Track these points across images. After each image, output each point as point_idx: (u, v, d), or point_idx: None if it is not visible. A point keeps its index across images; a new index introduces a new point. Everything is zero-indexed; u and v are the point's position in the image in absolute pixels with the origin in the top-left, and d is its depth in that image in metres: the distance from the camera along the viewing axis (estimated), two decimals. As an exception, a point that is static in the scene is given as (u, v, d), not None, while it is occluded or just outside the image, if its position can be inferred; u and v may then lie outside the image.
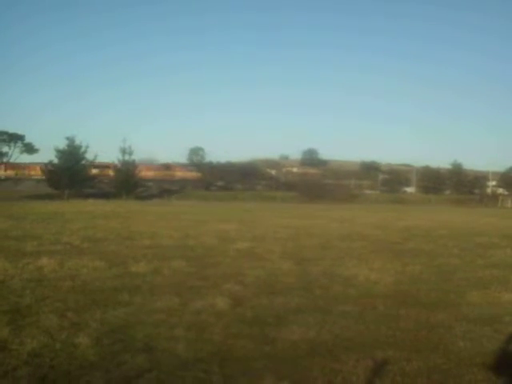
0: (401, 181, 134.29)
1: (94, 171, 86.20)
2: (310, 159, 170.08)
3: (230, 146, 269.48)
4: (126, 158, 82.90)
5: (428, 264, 16.07)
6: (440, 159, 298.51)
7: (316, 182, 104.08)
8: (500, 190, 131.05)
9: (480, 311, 10.15)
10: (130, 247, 18.26)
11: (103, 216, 35.08)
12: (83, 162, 77.58)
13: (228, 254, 16.86)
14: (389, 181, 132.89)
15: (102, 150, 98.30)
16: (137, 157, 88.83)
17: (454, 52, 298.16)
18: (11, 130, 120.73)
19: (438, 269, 15.28)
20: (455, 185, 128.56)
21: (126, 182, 79.78)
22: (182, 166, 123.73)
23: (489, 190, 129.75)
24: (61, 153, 76.32)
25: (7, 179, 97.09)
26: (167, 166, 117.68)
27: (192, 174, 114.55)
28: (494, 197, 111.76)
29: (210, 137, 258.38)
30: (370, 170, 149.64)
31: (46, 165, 79.62)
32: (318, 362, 7.04)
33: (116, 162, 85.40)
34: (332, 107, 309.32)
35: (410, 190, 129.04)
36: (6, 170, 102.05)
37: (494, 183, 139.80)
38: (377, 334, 8.41)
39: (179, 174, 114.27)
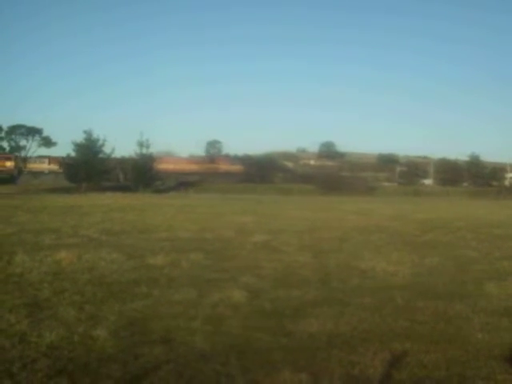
0: (418, 173, 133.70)
1: None
2: (328, 152, 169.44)
3: (247, 139, 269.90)
4: (144, 151, 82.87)
5: (446, 256, 16.02)
6: (458, 151, 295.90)
7: (333, 175, 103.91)
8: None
9: (498, 303, 10.10)
10: (147, 240, 18.30)
11: (120, 209, 35.19)
12: (100, 155, 77.96)
13: (245, 247, 16.87)
14: (406, 173, 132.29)
15: (120, 144, 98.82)
16: (154, 150, 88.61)
17: (466, 47, 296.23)
18: (29, 124, 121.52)
19: (455, 261, 15.23)
20: (473, 177, 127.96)
21: (144, 174, 79.93)
22: (227, 159, 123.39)
23: (507, 182, 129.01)
24: (78, 146, 76.89)
25: (50, 173, 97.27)
26: (211, 159, 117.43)
27: (236, 168, 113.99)
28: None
29: (228, 130, 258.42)
30: (387, 162, 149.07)
31: (63, 158, 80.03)
32: (335, 354, 7.03)
33: (134, 155, 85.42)
34: (349, 101, 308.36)
35: (428, 182, 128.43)
36: (49, 164, 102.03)
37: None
38: (394, 326, 8.38)
39: (223, 167, 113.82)
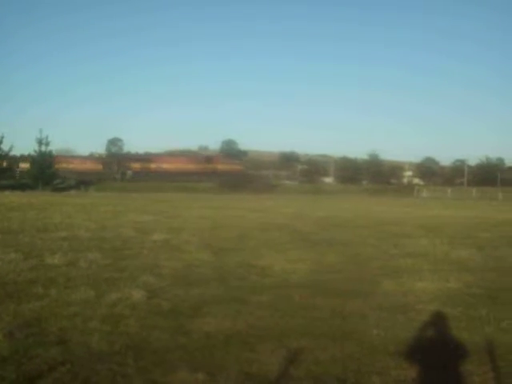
0: (319, 171, 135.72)
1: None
2: (229, 150, 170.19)
3: (149, 136, 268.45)
4: (43, 148, 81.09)
5: (343, 253, 16.32)
6: (358, 150, 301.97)
7: (235, 173, 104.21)
8: (416, 180, 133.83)
9: (394, 300, 10.34)
10: (46, 239, 17.91)
11: (19, 208, 34.37)
12: (-2, 153, 75.96)
13: (145, 246, 16.76)
14: (307, 171, 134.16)
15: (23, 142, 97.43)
16: (54, 147, 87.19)
17: (371, 48, 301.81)
18: None
19: (353, 258, 15.53)
20: (372, 175, 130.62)
21: (43, 173, 78.29)
22: (225, 159, 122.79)
23: (405, 181, 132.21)
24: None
25: None
26: (208, 159, 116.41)
27: (235, 167, 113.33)
28: (410, 187, 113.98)
29: (129, 128, 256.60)
30: (288, 160, 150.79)
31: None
32: (232, 352, 7.08)
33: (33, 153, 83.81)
34: (250, 99, 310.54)
35: (328, 180, 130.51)
36: None
37: (410, 173, 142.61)
38: (292, 324, 8.49)
39: (221, 166, 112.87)
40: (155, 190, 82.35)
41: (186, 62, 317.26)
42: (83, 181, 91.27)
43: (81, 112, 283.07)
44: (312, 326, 8.38)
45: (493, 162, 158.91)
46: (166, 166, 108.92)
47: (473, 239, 20.77)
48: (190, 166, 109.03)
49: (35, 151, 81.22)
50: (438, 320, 8.84)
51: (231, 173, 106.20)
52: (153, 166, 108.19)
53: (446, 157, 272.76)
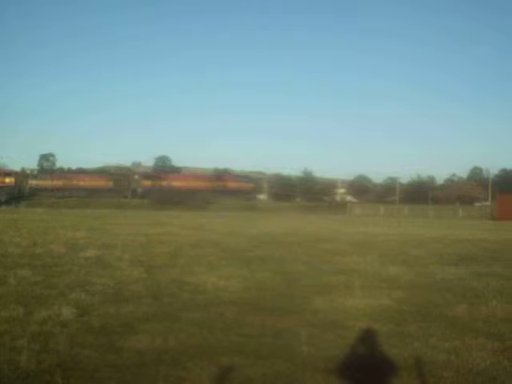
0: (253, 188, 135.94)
1: None
2: (163, 166, 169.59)
3: (83, 152, 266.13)
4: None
5: (276, 270, 16.37)
6: (292, 167, 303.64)
7: (169, 189, 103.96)
8: (349, 198, 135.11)
9: (325, 317, 10.40)
10: (-26, 256, 17.63)
11: None
12: None
13: (76, 263, 16.58)
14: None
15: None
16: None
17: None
18: None
19: (285, 275, 15.58)
20: (305, 192, 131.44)
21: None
22: (237, 177, 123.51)
23: (338, 198, 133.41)
24: None
25: None
26: (219, 177, 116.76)
27: (246, 185, 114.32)
28: (343, 204, 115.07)
29: (62, 143, 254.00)
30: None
31: None
32: (163, 370, 7.04)
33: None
34: (184, 116, 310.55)
35: (262, 197, 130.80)
36: None
37: (343, 191, 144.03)
38: (223, 341, 8.48)
39: (231, 184, 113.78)
40: (84, 206, 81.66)
41: (120, 78, 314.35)
42: (15, 196, 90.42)
43: (12, 126, 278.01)
44: (243, 344, 8.38)
45: (424, 179, 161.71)
46: (176, 183, 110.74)
47: (403, 256, 21.06)
48: (201, 184, 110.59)
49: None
50: (369, 337, 8.93)
51: (242, 190, 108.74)
52: (164, 183, 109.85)
53: (378, 174, 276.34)
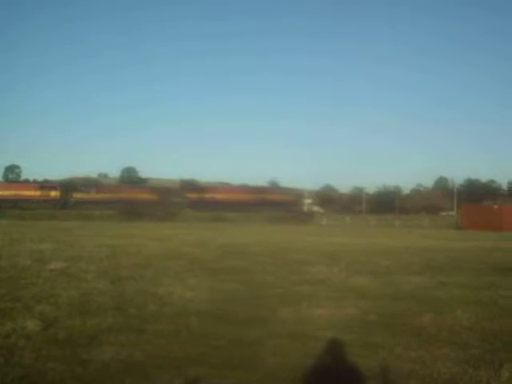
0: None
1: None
2: (129, 177, 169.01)
3: (49, 163, 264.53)
4: None
5: (243, 281, 16.36)
6: (258, 177, 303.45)
7: (135, 200, 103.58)
8: (315, 208, 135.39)
9: (291, 327, 10.44)
10: None
11: None
12: None
13: (42, 275, 16.40)
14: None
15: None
16: None
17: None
18: None
19: (252, 286, 15.58)
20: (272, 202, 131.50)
21: None
22: (277, 189, 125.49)
23: (305, 208, 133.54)
24: None
25: None
26: (261, 190, 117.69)
27: (286, 197, 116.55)
28: (310, 214, 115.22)
29: (28, 154, 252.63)
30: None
31: None
32: (129, 382, 7.03)
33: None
34: (151, 125, 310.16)
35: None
36: None
37: (309, 201, 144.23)
38: (190, 352, 8.48)
39: (273, 197, 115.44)
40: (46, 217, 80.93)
41: (85, 90, 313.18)
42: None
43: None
44: (210, 355, 8.39)
45: (390, 189, 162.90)
46: (219, 196, 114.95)
47: (370, 266, 21.11)
48: (244, 196, 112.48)
49: None
50: (335, 346, 8.96)
51: (283, 203, 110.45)
52: (207, 195, 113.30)
53: (344, 184, 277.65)
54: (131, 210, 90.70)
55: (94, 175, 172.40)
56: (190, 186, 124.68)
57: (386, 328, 10.44)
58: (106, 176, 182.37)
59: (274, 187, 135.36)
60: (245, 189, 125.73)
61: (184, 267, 19.45)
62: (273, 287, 15.46)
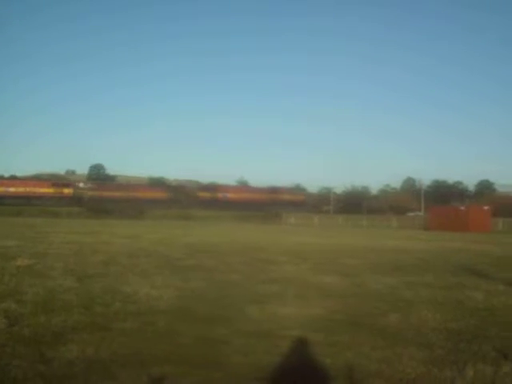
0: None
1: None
2: (97, 174, 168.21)
3: (16, 160, 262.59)
4: None
5: (209, 280, 16.33)
6: (228, 176, 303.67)
7: (103, 198, 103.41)
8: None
9: (257, 326, 10.43)
10: None
11: None
12: None
13: (7, 272, 16.24)
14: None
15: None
16: None
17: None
18: None
19: (218, 284, 15.57)
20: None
21: None
22: (290, 190, 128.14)
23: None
24: None
25: None
26: (274, 190, 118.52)
27: (297, 197, 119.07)
28: (278, 214, 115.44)
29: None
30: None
31: None
32: (93, 380, 6.98)
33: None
34: (120, 122, 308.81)
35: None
36: None
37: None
38: (155, 351, 8.44)
39: (285, 196, 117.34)
40: (12, 213, 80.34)
41: (53, 83, 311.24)
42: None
43: None
44: (176, 353, 8.36)
45: (358, 189, 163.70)
46: (231, 195, 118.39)
47: (337, 266, 21.20)
48: (255, 196, 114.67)
49: None
50: (301, 346, 8.98)
51: (294, 202, 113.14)
52: (219, 195, 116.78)
53: (313, 184, 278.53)
54: (100, 207, 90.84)
55: (62, 172, 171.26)
56: (202, 186, 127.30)
57: (352, 327, 10.47)
58: (73, 173, 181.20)
59: (287, 187, 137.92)
60: (257, 189, 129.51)
61: (150, 265, 19.41)
62: (239, 286, 15.46)
